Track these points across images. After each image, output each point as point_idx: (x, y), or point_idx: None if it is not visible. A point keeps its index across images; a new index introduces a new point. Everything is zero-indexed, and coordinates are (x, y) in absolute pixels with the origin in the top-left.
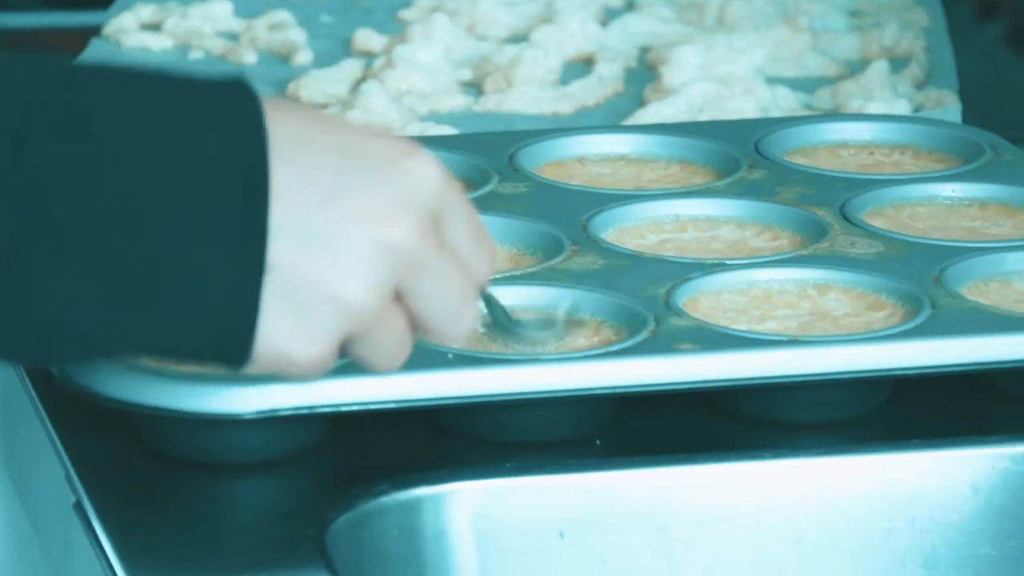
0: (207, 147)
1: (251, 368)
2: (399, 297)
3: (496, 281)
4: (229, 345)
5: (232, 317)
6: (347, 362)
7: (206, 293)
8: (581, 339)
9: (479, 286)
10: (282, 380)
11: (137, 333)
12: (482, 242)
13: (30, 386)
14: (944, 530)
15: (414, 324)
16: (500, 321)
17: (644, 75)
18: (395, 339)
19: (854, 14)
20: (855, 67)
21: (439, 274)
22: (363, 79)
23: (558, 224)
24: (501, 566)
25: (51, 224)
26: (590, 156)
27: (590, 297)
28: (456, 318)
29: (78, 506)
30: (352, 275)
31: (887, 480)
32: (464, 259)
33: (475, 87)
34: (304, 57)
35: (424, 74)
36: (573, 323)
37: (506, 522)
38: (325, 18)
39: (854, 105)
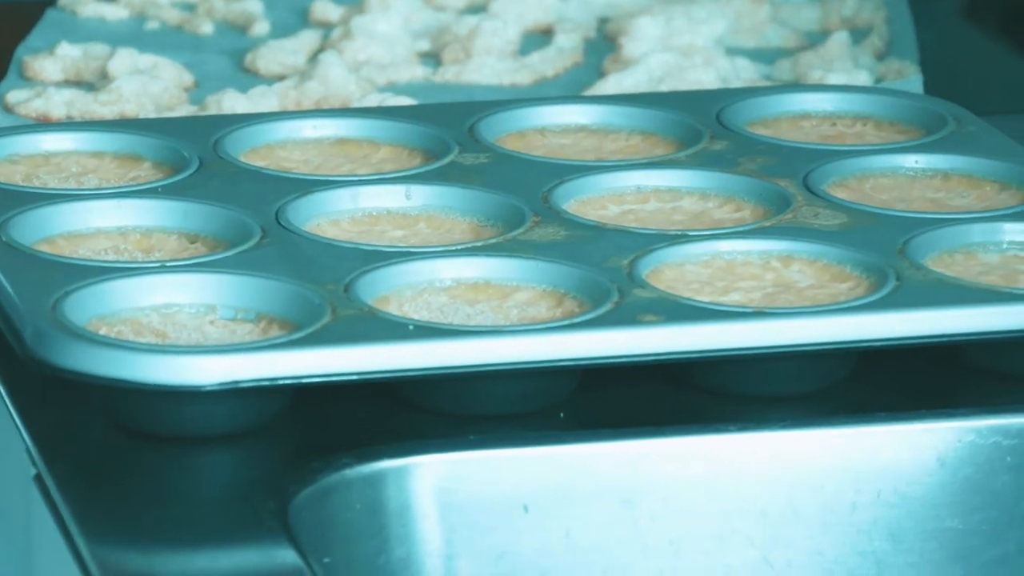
0: None
1: None
2: None
3: (457, 252)
4: None
5: None
6: (308, 334)
7: None
8: (544, 311)
9: None
10: (244, 351)
11: None
12: None
13: None
14: (910, 503)
15: None
16: None
17: (603, 46)
18: None
19: None
20: (815, 38)
21: None
22: (321, 50)
23: (519, 195)
24: (465, 539)
25: None
26: (551, 127)
27: (552, 268)
28: None
29: (39, 479)
30: None
31: (853, 453)
32: None
33: (433, 58)
34: (261, 28)
35: (382, 45)
36: None
37: (470, 495)
38: None
39: (814, 76)
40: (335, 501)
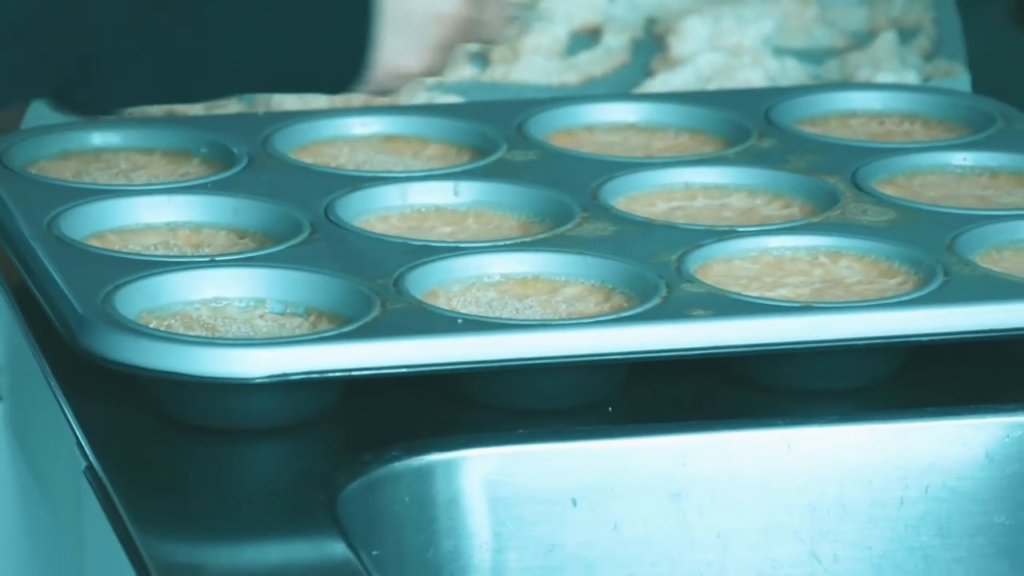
0: None
1: (361, 88)
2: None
3: (505, 247)
4: (352, 64)
5: (355, 36)
6: (357, 328)
7: (332, 19)
8: (592, 306)
9: None
10: (293, 344)
11: (273, 62)
12: None
13: (39, 352)
14: (958, 498)
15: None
16: None
17: (651, 46)
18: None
19: None
20: (863, 38)
21: None
22: None
23: (568, 192)
24: (513, 533)
25: None
26: (599, 125)
27: (600, 264)
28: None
29: (89, 471)
30: None
31: (901, 448)
32: None
33: (482, 57)
34: None
35: None
36: None
37: (518, 489)
38: None
39: (862, 76)
40: (384, 494)
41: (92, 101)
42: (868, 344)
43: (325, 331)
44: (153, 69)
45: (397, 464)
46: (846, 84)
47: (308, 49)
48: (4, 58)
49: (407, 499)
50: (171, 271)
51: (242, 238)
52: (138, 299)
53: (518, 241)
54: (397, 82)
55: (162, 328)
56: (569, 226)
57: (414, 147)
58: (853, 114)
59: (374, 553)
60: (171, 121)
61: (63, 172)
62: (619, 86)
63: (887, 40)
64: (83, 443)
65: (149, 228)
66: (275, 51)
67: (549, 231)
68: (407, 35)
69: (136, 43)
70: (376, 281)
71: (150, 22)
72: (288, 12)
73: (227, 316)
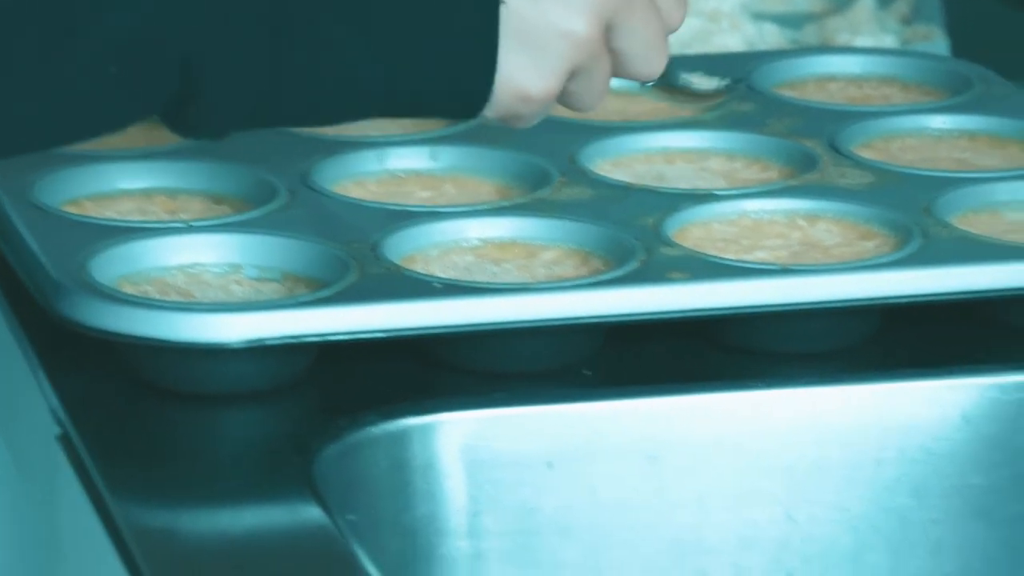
0: None
1: (489, 111)
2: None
3: (483, 212)
4: (471, 84)
5: (474, 53)
6: (335, 292)
7: (451, 30)
8: (570, 269)
9: (671, 30)
10: (269, 308)
11: (391, 82)
12: None
13: (13, 318)
14: (934, 460)
15: (615, 63)
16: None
17: None
18: (606, 73)
19: None
20: (841, 3)
21: (645, 12)
22: None
23: (546, 156)
24: (490, 497)
25: None
26: None
27: (578, 227)
28: (654, 56)
29: (64, 438)
30: (576, 9)
31: (877, 410)
32: (661, 5)
33: None
34: None
35: None
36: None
37: (495, 452)
38: None
39: (841, 40)
40: (360, 458)
41: (200, 123)
42: (846, 306)
43: (302, 296)
44: (266, 91)
45: (373, 429)
46: (824, 48)
47: (429, 71)
48: (107, 78)
49: (383, 463)
50: (147, 237)
51: (218, 204)
52: (114, 265)
53: (496, 205)
54: (524, 107)
55: (138, 294)
56: (547, 190)
57: None
58: (831, 78)
59: (350, 518)
60: None
61: None
62: None
63: (865, 4)
64: (58, 410)
65: (125, 194)
66: (393, 75)
67: (527, 195)
68: (532, 54)
69: (247, 63)
70: (353, 246)
71: (264, 42)
72: (406, 32)
73: (203, 282)
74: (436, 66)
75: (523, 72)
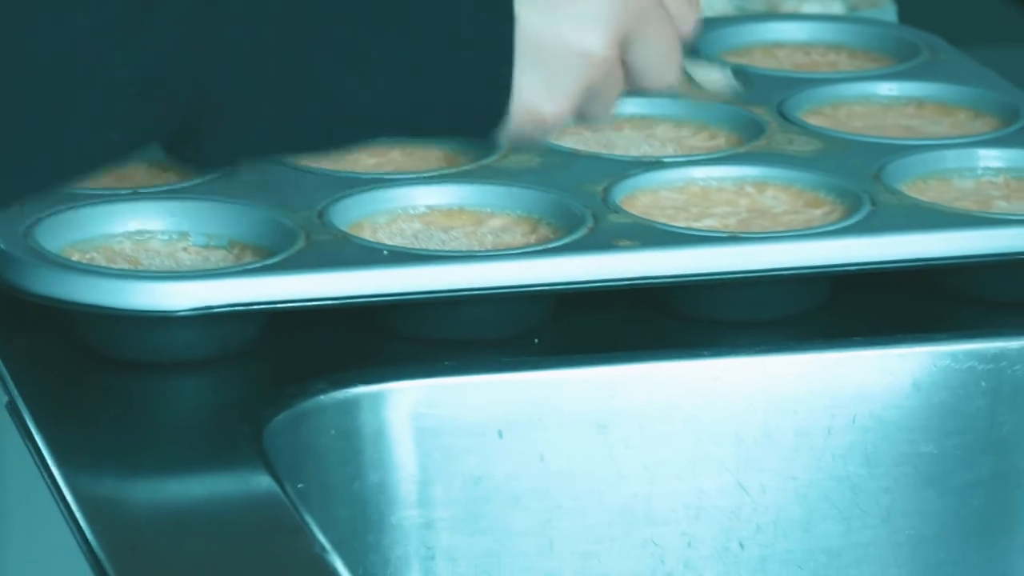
0: None
1: (503, 132)
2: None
3: (431, 179)
4: (487, 104)
5: (490, 73)
6: (282, 260)
7: (465, 52)
8: (518, 237)
9: (684, 38)
10: (217, 276)
11: (405, 104)
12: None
13: None
14: (885, 428)
15: (629, 77)
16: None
17: None
18: (619, 89)
19: None
20: None
21: (659, 24)
22: None
23: None
24: (439, 465)
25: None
26: None
27: (526, 194)
28: (668, 67)
29: (11, 406)
30: (591, 28)
31: (828, 378)
32: (674, 13)
33: None
34: None
35: None
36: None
37: (444, 421)
38: None
39: (788, 7)
40: (310, 427)
41: (206, 153)
42: (795, 274)
43: (249, 263)
44: (275, 118)
45: (322, 397)
46: (772, 15)
47: (442, 94)
48: (114, 110)
49: (332, 432)
50: (94, 204)
51: (165, 171)
52: (60, 232)
53: (443, 172)
54: (536, 128)
55: (85, 261)
56: (494, 157)
57: None
58: (779, 45)
59: (299, 486)
60: None
61: None
62: None
63: None
64: (5, 377)
65: None
66: (406, 97)
67: (474, 162)
68: (546, 75)
69: (256, 91)
70: (300, 213)
71: (273, 68)
72: (420, 54)
73: (150, 249)
74: (449, 89)
75: (537, 93)
